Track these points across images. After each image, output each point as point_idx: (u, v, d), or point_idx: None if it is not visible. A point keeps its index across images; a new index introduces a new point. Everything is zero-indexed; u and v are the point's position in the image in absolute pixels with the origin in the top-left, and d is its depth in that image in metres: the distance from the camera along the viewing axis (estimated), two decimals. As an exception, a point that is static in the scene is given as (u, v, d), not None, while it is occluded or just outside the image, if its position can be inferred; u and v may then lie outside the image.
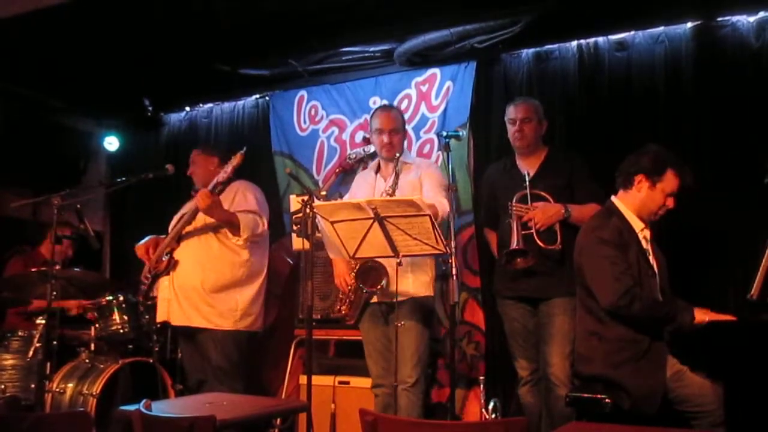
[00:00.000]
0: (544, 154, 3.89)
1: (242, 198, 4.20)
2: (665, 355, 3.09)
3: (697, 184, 3.32)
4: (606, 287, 3.09)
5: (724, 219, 3.86)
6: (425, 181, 3.77)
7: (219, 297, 4.14)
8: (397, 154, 3.74)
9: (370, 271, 3.64)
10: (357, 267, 3.65)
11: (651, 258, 3.25)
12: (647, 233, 3.28)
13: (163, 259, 4.17)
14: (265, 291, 4.35)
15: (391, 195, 3.62)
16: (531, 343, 3.78)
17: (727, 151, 3.92)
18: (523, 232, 3.60)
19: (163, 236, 4.35)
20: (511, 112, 3.90)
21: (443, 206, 3.52)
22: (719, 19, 4.07)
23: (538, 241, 3.60)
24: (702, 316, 3.05)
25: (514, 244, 3.60)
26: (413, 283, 3.75)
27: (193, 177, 4.42)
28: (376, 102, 5.03)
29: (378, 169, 3.99)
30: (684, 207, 3.31)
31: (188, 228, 4.19)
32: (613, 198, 3.33)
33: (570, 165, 3.82)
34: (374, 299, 3.80)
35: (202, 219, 4.16)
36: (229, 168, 4.00)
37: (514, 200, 3.70)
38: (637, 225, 3.25)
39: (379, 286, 3.64)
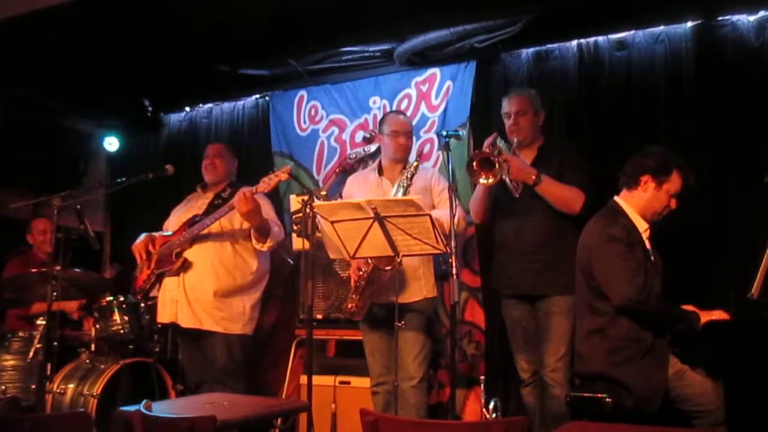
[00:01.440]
0: (538, 145, 3.87)
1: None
2: (667, 354, 3.09)
3: (698, 183, 3.32)
4: (621, 284, 3.08)
5: (725, 217, 3.86)
6: (439, 196, 3.83)
7: (228, 302, 4.15)
8: (413, 159, 3.84)
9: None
10: None
11: (652, 259, 3.27)
12: (648, 233, 3.29)
13: (174, 258, 4.16)
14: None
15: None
16: (532, 345, 3.77)
17: (727, 150, 3.92)
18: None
19: (158, 233, 4.35)
20: (505, 105, 3.87)
21: (456, 217, 3.49)
22: (719, 18, 4.06)
23: (508, 180, 3.59)
24: (707, 318, 3.06)
25: (484, 147, 3.59)
26: (425, 285, 3.79)
27: (211, 170, 4.39)
28: (376, 102, 5.04)
29: (381, 171, 4.00)
30: (684, 205, 3.31)
31: (204, 231, 4.16)
32: (616, 198, 3.34)
33: (561, 154, 3.80)
34: (382, 301, 3.80)
35: (218, 225, 4.16)
36: (274, 180, 3.88)
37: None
38: (641, 225, 3.26)
39: (396, 262, 3.52)
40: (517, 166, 3.62)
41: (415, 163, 3.80)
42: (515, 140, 3.79)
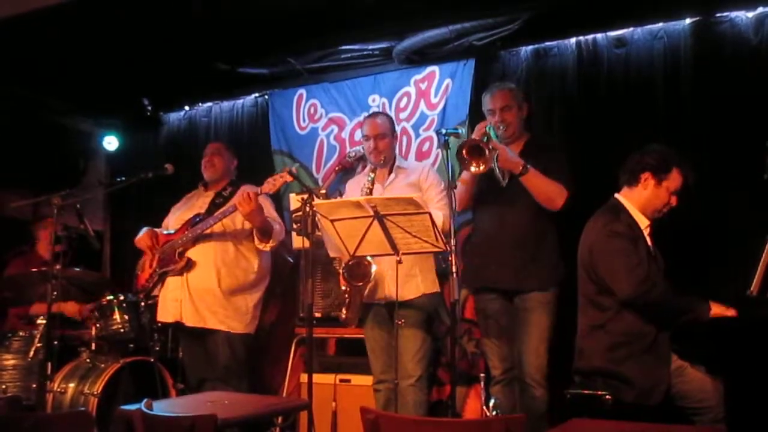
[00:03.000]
0: (524, 141, 3.83)
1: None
2: (669, 350, 3.10)
3: (697, 181, 3.33)
4: (625, 277, 3.10)
5: (724, 215, 3.86)
6: (426, 193, 3.81)
7: (232, 300, 4.17)
8: (383, 159, 3.85)
9: (357, 267, 3.64)
10: (343, 266, 3.67)
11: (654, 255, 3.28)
12: (649, 230, 3.30)
13: (177, 258, 4.16)
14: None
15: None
16: (504, 341, 3.73)
17: (726, 147, 3.92)
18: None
19: (159, 229, 4.35)
20: (488, 102, 3.82)
21: (438, 218, 3.48)
22: (718, 14, 4.06)
23: (497, 168, 3.58)
24: (718, 309, 3.07)
25: (475, 135, 3.56)
26: (422, 281, 3.79)
27: (209, 168, 4.39)
28: (375, 100, 5.04)
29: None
30: (684, 203, 3.32)
31: (207, 230, 4.16)
32: (617, 195, 3.35)
33: (547, 151, 3.77)
34: (376, 300, 3.81)
35: (220, 224, 4.15)
36: (279, 182, 3.92)
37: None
38: (643, 222, 3.28)
39: (367, 280, 3.64)
40: (505, 154, 3.59)
41: (372, 176, 3.82)
42: (501, 128, 3.72)
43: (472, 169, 3.48)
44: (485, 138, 3.54)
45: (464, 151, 3.46)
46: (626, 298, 3.09)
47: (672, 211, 3.31)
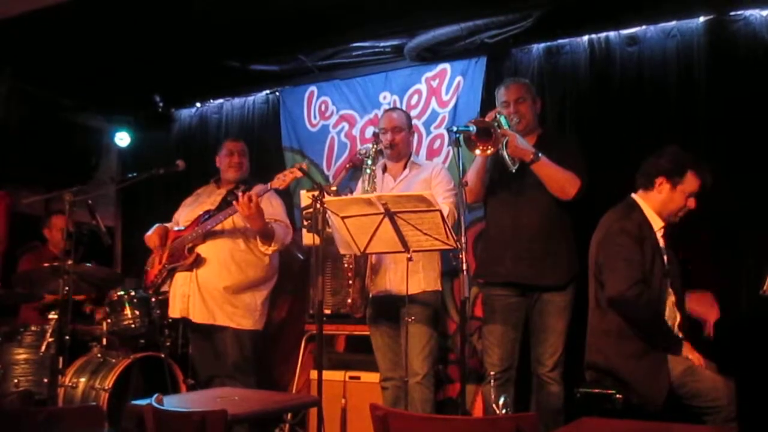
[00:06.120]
0: (538, 135, 3.81)
1: (268, 205, 4.21)
2: (665, 355, 3.09)
3: (712, 180, 3.31)
4: (618, 275, 3.09)
5: (737, 214, 3.83)
6: (434, 189, 3.79)
7: (241, 297, 4.18)
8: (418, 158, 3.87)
9: None
10: None
11: (665, 258, 3.26)
12: (663, 232, 3.28)
13: (186, 254, 4.17)
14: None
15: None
16: (509, 339, 3.70)
17: (740, 147, 3.89)
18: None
19: (170, 224, 4.36)
20: (503, 94, 3.82)
21: (444, 211, 3.47)
22: (732, 13, 4.03)
23: (505, 154, 3.55)
24: (690, 353, 3.10)
25: (486, 118, 3.55)
26: (424, 278, 3.77)
27: (238, 169, 4.40)
28: (386, 97, 5.03)
29: (385, 169, 4.03)
30: (702, 206, 3.30)
31: (217, 227, 4.18)
32: (634, 195, 3.34)
33: (560, 143, 3.76)
34: (377, 292, 3.81)
35: (230, 221, 4.16)
36: (289, 177, 3.93)
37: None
38: (657, 223, 3.26)
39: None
40: (515, 142, 3.56)
41: (371, 168, 3.83)
42: (515, 120, 3.71)
43: (477, 152, 3.46)
44: (495, 124, 3.53)
45: (471, 137, 3.43)
46: (616, 295, 3.08)
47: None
